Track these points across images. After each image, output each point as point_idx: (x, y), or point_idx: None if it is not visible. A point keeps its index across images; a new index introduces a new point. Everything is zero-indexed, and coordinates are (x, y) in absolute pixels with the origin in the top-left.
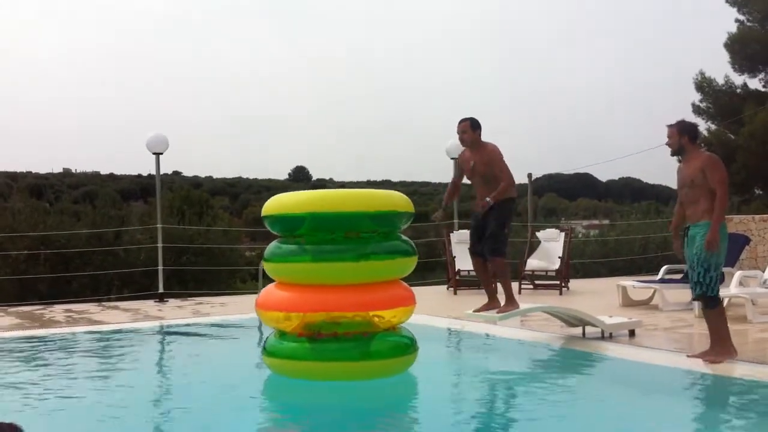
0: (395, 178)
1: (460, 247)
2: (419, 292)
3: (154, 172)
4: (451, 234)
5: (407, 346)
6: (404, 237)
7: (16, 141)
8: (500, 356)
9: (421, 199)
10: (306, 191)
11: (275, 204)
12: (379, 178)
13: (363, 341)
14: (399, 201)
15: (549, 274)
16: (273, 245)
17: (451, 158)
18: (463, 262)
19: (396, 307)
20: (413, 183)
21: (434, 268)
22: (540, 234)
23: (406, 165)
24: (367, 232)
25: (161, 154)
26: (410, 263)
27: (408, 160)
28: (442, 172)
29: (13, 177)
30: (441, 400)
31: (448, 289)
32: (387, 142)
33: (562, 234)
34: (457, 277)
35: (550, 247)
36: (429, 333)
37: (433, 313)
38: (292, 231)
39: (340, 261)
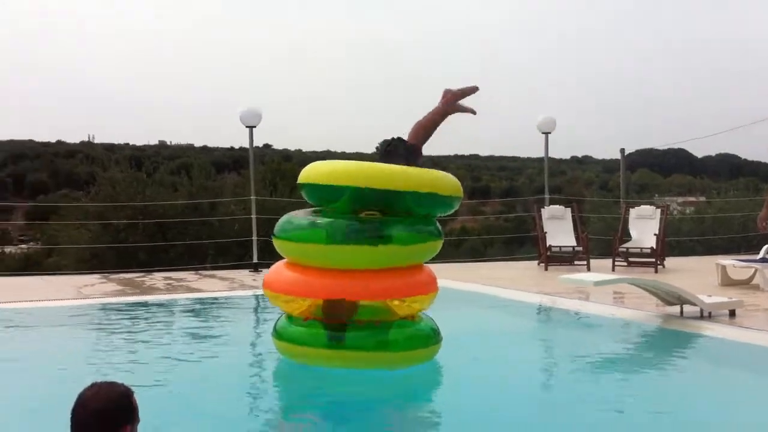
0: (483, 152)
1: (552, 223)
2: (508, 267)
3: (246, 145)
4: (542, 209)
5: (428, 338)
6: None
7: (114, 113)
8: (593, 334)
9: (510, 174)
10: (348, 162)
11: (314, 172)
12: (467, 152)
13: (380, 330)
14: (450, 183)
15: (644, 251)
16: (284, 219)
17: (543, 133)
18: (554, 237)
19: (416, 294)
20: (502, 158)
21: (523, 242)
22: (634, 211)
23: (493, 139)
24: (406, 213)
25: (254, 127)
26: (434, 247)
27: (496, 134)
28: (531, 147)
29: (111, 149)
30: (530, 380)
31: (539, 264)
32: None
33: (658, 211)
34: (548, 253)
35: (645, 224)
36: (519, 309)
37: (524, 288)
38: (329, 203)
39: (356, 244)
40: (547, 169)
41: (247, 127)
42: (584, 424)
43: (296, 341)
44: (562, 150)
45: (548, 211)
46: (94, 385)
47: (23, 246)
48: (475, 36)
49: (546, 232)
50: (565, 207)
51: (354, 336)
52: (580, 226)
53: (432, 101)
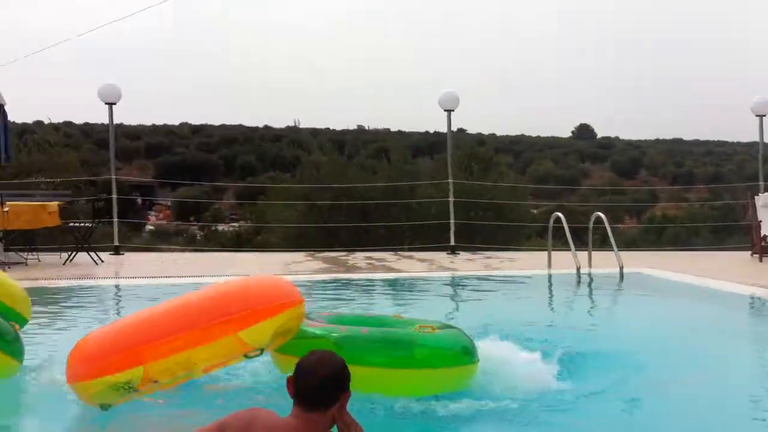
0: (687, 136)
1: (767, 211)
2: (715, 257)
3: (441, 129)
4: (756, 197)
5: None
6: None
7: (315, 100)
8: None
9: (716, 159)
10: None
11: None
12: (668, 136)
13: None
14: None
15: None
16: None
17: (757, 116)
18: None
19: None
20: (707, 142)
21: (733, 232)
22: None
23: (698, 122)
24: None
25: (452, 111)
26: None
27: (701, 116)
28: (743, 132)
29: (314, 133)
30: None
31: (752, 255)
32: (676, 96)
33: None
34: (763, 243)
35: None
36: (729, 301)
37: (734, 280)
38: None
39: None
40: (762, 154)
41: (445, 110)
42: None
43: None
44: None
45: (763, 199)
46: (314, 353)
47: (234, 224)
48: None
49: (761, 221)
50: None
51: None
52: None
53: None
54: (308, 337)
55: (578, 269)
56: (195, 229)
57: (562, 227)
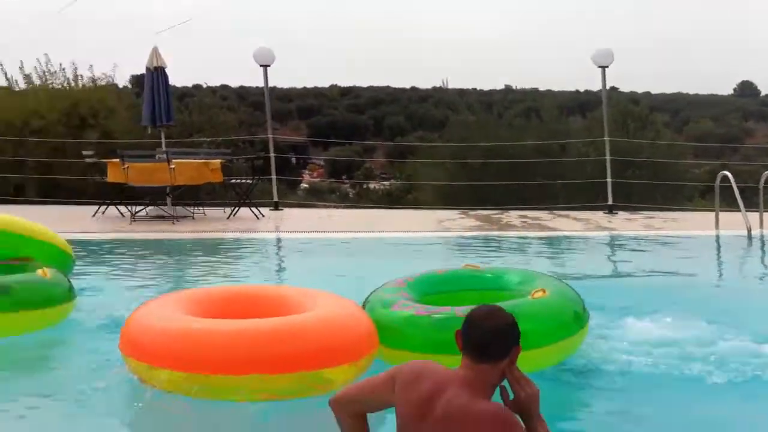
0: None
1: None
2: None
3: (591, 88)
4: None
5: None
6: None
7: (462, 61)
8: None
9: None
10: None
11: None
12: None
13: None
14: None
15: None
16: None
17: None
18: None
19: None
20: None
21: None
22: None
23: None
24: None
25: (606, 67)
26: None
27: None
28: None
29: (461, 93)
30: None
31: None
32: None
33: None
34: None
35: None
36: None
37: None
38: None
39: None
40: None
41: (599, 67)
42: None
43: None
44: None
45: None
46: (482, 308)
47: (385, 183)
48: None
49: None
50: None
51: None
52: None
53: None
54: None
55: (749, 230)
56: (347, 187)
57: (727, 187)
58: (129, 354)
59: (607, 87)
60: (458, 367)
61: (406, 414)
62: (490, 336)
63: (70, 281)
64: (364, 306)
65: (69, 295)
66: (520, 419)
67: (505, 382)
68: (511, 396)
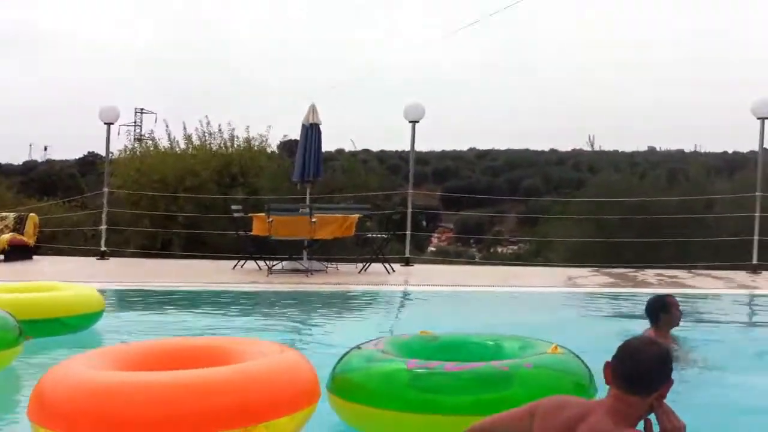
0: None
1: None
2: None
3: (740, 149)
4: None
5: None
6: None
7: (608, 121)
8: None
9: None
10: None
11: None
12: None
13: None
14: None
15: None
16: None
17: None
18: None
19: None
20: None
21: None
22: None
23: None
24: None
25: (766, 119)
26: None
27: None
28: None
29: (601, 155)
30: None
31: None
32: None
33: None
34: None
35: None
36: None
37: None
38: None
39: None
40: None
41: (758, 119)
42: None
43: None
44: None
45: None
46: (638, 338)
47: (513, 246)
48: None
49: None
50: None
51: None
52: None
53: None
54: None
55: None
56: (473, 251)
57: None
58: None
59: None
60: (605, 398)
61: None
62: (645, 368)
63: (19, 326)
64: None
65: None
66: None
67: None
68: (656, 428)
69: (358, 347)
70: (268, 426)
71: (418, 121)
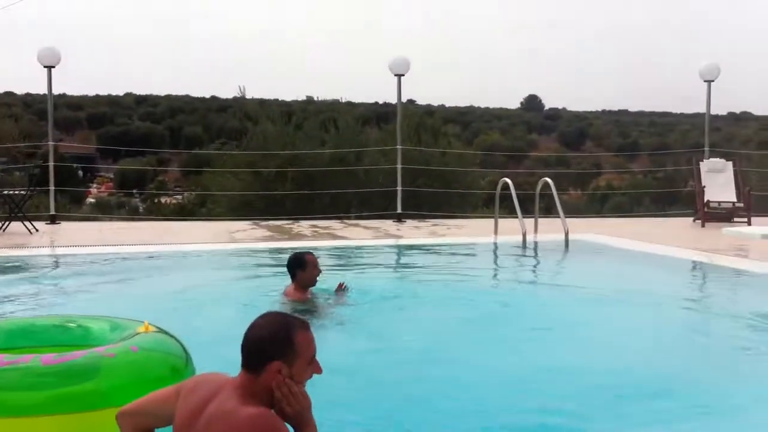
0: (633, 108)
1: (710, 177)
2: (658, 223)
3: (390, 100)
4: (700, 162)
5: None
6: None
7: (265, 72)
8: (755, 294)
9: (660, 130)
10: None
11: None
12: (615, 107)
13: None
14: None
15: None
16: None
17: (705, 81)
18: (713, 193)
19: None
20: (652, 113)
21: (673, 201)
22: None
23: (646, 94)
24: None
25: (402, 75)
26: None
27: (650, 89)
28: (688, 101)
29: (261, 104)
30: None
31: (694, 221)
32: (631, 72)
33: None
34: (706, 209)
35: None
36: (672, 266)
37: (678, 244)
38: None
39: None
40: (709, 120)
41: (395, 75)
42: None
43: None
44: (718, 106)
45: (707, 165)
46: (266, 314)
47: (177, 196)
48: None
49: (704, 186)
50: (726, 160)
51: None
52: (742, 181)
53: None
54: None
55: (524, 235)
56: (137, 201)
57: (509, 195)
58: None
59: (405, 99)
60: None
61: (178, 423)
62: (251, 344)
63: None
64: None
65: None
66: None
67: None
68: None
69: None
70: None
71: (53, 67)
